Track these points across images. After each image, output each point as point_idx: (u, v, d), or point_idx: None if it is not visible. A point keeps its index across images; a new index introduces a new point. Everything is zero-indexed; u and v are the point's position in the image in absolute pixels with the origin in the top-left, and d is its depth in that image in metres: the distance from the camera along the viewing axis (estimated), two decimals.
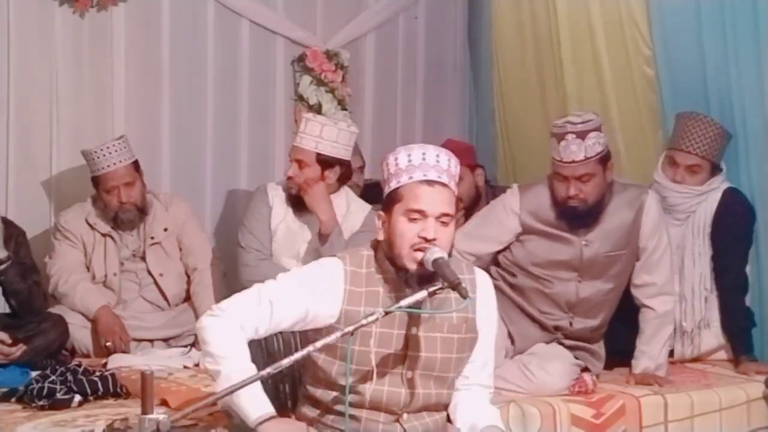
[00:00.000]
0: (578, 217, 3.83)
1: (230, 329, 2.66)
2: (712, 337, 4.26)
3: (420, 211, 2.66)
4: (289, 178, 4.27)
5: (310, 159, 4.24)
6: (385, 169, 2.77)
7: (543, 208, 3.88)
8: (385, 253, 2.73)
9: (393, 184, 2.72)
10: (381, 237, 2.74)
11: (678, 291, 4.23)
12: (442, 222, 2.68)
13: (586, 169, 3.75)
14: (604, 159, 3.80)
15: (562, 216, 3.85)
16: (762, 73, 4.17)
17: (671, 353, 4.26)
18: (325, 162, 4.26)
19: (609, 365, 4.02)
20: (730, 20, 4.29)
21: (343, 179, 4.38)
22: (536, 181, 3.98)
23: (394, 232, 2.68)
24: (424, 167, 2.69)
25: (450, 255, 2.70)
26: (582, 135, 3.72)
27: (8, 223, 4.22)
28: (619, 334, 4.06)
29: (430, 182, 2.68)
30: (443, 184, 2.70)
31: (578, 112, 3.94)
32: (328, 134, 4.27)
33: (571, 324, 3.93)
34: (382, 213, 2.75)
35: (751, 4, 4.20)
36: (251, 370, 2.59)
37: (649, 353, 3.95)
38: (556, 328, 3.93)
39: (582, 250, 3.86)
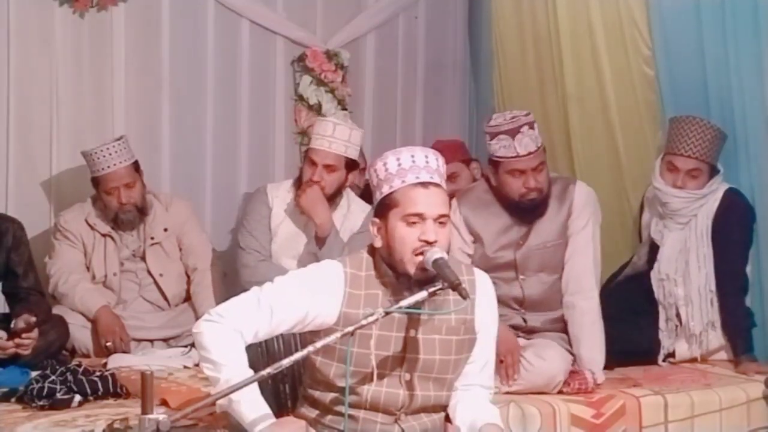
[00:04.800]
0: (533, 208, 3.87)
1: (228, 335, 2.63)
2: (718, 337, 4.26)
3: (418, 215, 2.66)
4: (316, 182, 4.22)
5: (340, 163, 4.24)
6: (374, 176, 2.75)
7: (484, 210, 3.94)
8: (384, 258, 2.72)
9: (385, 190, 2.71)
10: (378, 244, 2.72)
11: (683, 293, 4.23)
12: (440, 222, 2.68)
13: (541, 158, 3.84)
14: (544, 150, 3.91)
15: (515, 212, 3.88)
16: (762, 73, 4.16)
17: (673, 354, 4.27)
18: (350, 166, 4.28)
19: (609, 365, 4.01)
20: (730, 20, 4.28)
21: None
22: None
23: (393, 237, 2.68)
24: (416, 169, 2.69)
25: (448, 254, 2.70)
26: (531, 125, 3.80)
27: (2, 218, 4.22)
28: (619, 334, 4.06)
29: (424, 184, 2.68)
30: (436, 185, 2.70)
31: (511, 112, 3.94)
32: (355, 138, 4.29)
33: (525, 321, 3.93)
34: (376, 220, 2.73)
35: (751, 4, 4.19)
36: (249, 375, 2.57)
37: (591, 358, 3.86)
38: (513, 327, 3.90)
39: (515, 249, 3.89)
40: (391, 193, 2.70)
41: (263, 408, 2.60)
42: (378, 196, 2.75)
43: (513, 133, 3.77)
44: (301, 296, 2.69)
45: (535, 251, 3.90)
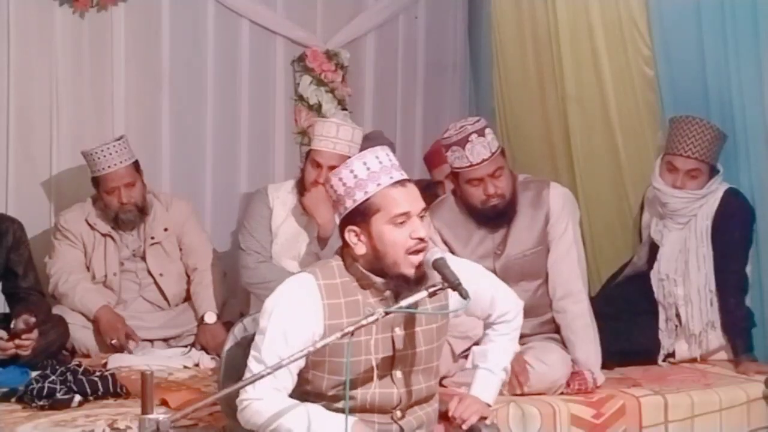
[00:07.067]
0: (498, 215, 3.81)
1: (272, 399, 2.60)
2: (718, 337, 4.25)
3: (405, 214, 2.64)
4: (321, 184, 4.20)
5: None
6: (340, 185, 2.68)
7: (456, 223, 3.89)
8: (369, 263, 2.67)
9: (360, 196, 2.65)
10: (362, 251, 2.67)
11: (683, 293, 4.24)
12: (421, 217, 2.68)
13: (497, 163, 3.77)
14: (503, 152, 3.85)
15: (482, 221, 3.84)
16: (762, 73, 4.16)
17: (673, 354, 4.27)
18: None
19: (609, 365, 4.01)
20: (730, 20, 4.28)
21: None
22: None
23: (382, 242, 2.64)
24: (386, 170, 2.67)
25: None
26: (480, 132, 3.74)
27: (2, 218, 4.22)
28: (619, 334, 4.06)
29: (401, 182, 2.67)
30: (409, 180, 2.71)
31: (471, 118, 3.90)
32: (357, 137, 4.31)
33: None
34: (354, 228, 2.67)
35: (751, 4, 4.19)
36: (308, 410, 2.60)
37: (588, 360, 3.84)
38: None
39: (493, 260, 3.84)
40: (367, 199, 2.65)
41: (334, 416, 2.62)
42: (350, 204, 2.66)
43: (462, 143, 3.73)
44: (294, 338, 2.61)
45: (514, 261, 3.85)
